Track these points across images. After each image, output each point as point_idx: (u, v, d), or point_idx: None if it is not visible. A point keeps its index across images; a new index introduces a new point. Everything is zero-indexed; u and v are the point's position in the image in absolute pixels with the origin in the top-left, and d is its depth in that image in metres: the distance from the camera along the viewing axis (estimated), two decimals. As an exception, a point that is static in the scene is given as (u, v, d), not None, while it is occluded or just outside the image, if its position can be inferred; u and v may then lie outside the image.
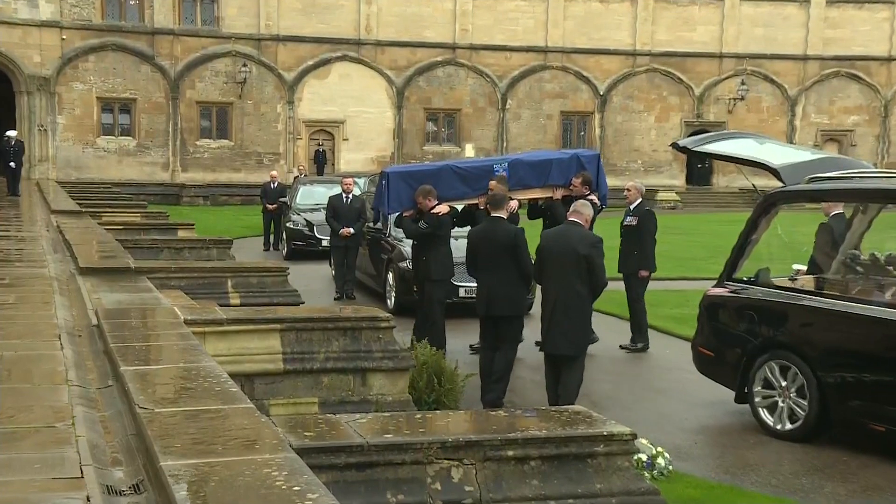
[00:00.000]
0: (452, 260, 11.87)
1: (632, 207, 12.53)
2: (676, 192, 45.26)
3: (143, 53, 40.88)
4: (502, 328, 9.55)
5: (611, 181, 48.40)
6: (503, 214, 9.71)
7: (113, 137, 41.07)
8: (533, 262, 9.35)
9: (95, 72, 40.33)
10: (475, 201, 11.79)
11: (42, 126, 39.43)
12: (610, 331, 13.04)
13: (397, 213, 12.00)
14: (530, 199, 12.47)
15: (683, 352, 11.12)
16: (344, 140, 43.59)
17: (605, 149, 46.48)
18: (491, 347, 9.65)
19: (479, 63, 44.85)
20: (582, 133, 46.80)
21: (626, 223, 12.47)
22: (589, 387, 9.12)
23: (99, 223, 16.36)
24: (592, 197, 11.74)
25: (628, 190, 12.74)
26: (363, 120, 43.56)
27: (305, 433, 4.91)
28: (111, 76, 40.53)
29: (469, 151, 43.34)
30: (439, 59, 44.48)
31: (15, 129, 32.44)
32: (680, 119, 47.05)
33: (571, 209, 9.11)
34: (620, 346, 12.40)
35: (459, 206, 12.08)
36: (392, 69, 43.87)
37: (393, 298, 14.99)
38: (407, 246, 13.17)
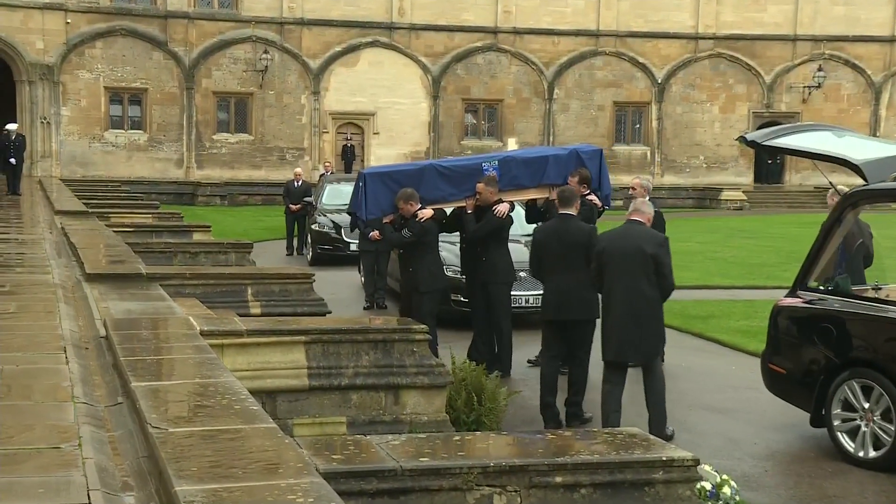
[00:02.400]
0: (442, 268, 11.83)
1: None
2: (743, 192, 44.94)
3: (154, 39, 41.29)
4: (574, 334, 9.72)
5: (671, 179, 47.65)
6: (573, 211, 9.88)
7: (122, 131, 41.51)
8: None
9: (103, 59, 40.80)
10: (462, 204, 11.71)
11: (45, 119, 39.93)
12: (671, 345, 12.95)
13: (376, 220, 11.97)
14: (528, 201, 12.40)
15: (752, 368, 11.03)
16: (374, 134, 43.75)
17: (663, 143, 46.30)
18: (557, 356, 9.81)
19: (523, 49, 44.84)
20: (637, 126, 46.66)
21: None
22: (644, 407, 9.09)
23: (107, 225, 16.55)
24: (592, 197, 11.68)
25: (633, 188, 12.71)
26: (395, 112, 43.70)
27: (333, 456, 4.93)
28: (120, 64, 40.98)
29: (512, 146, 43.32)
30: (479, 44, 44.52)
31: (15, 122, 32.84)
32: (747, 110, 46.73)
33: (632, 208, 9.22)
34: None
35: (449, 209, 11.96)
36: (427, 56, 43.98)
37: (428, 308, 14.95)
38: (444, 250, 13.16)
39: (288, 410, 7.35)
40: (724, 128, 46.32)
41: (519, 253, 12.80)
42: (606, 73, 45.79)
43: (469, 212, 11.62)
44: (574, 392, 9.65)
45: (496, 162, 11.97)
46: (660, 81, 46.06)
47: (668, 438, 8.79)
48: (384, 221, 11.68)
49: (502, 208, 11.45)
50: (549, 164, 12.02)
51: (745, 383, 11.34)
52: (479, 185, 11.46)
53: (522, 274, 12.48)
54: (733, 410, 10.40)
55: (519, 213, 12.81)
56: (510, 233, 11.94)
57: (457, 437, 5.64)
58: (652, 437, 5.67)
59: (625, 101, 46.23)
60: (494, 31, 44.56)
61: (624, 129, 46.56)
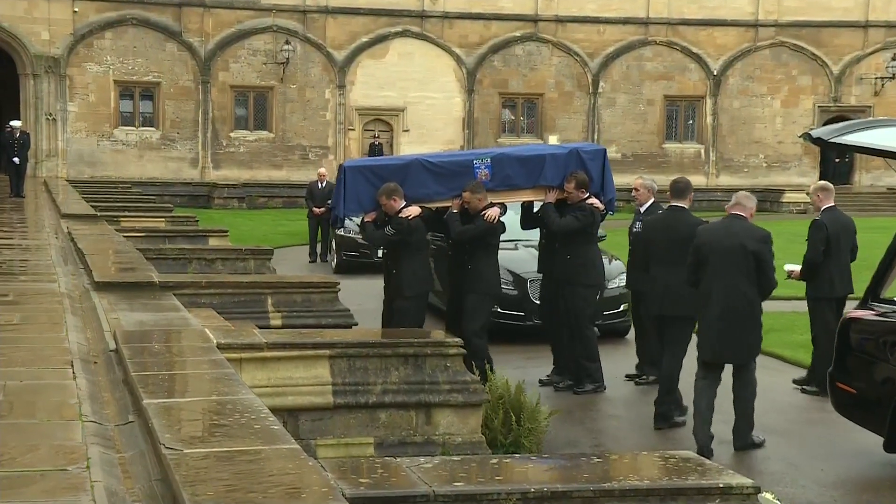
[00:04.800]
0: (431, 271, 11.76)
1: (641, 210, 12.50)
2: (807, 193, 44.50)
3: (168, 29, 41.62)
4: (671, 329, 10.24)
5: (728, 179, 47.43)
6: (685, 204, 10.36)
7: (133, 128, 41.86)
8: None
9: (113, 51, 41.15)
10: (448, 204, 11.57)
11: (50, 115, 40.32)
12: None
13: (358, 217, 11.93)
14: (524, 203, 12.32)
15: (817, 387, 10.96)
16: (404, 131, 43.85)
17: (718, 140, 46.09)
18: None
19: (565, 39, 44.80)
20: (690, 121, 46.50)
21: (635, 230, 12.42)
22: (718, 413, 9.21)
23: (117, 230, 16.66)
24: (594, 200, 11.61)
25: (636, 190, 12.72)
26: (427, 107, 43.78)
27: (360, 479, 4.93)
28: (131, 56, 41.31)
29: (553, 143, 43.32)
30: (518, 34, 44.54)
31: (19, 119, 33.23)
32: (813, 104, 46.43)
33: (734, 202, 9.50)
34: (626, 376, 12.40)
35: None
36: (462, 47, 44.03)
37: (462, 320, 14.99)
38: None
39: (311, 430, 7.37)
40: (786, 123, 46.02)
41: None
42: (657, 64, 45.63)
43: (454, 211, 11.47)
44: (666, 390, 10.14)
45: (489, 159, 11.74)
46: (715, 73, 45.83)
47: (757, 447, 9.32)
48: (365, 220, 11.59)
49: (492, 212, 11.27)
50: (547, 163, 11.85)
51: (809, 403, 11.28)
52: (465, 194, 11.29)
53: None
54: (797, 433, 10.34)
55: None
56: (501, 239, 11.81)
57: (494, 461, 5.63)
58: (708, 461, 5.64)
59: (677, 94, 46.05)
60: (534, 20, 44.54)
61: (676, 125, 46.37)
